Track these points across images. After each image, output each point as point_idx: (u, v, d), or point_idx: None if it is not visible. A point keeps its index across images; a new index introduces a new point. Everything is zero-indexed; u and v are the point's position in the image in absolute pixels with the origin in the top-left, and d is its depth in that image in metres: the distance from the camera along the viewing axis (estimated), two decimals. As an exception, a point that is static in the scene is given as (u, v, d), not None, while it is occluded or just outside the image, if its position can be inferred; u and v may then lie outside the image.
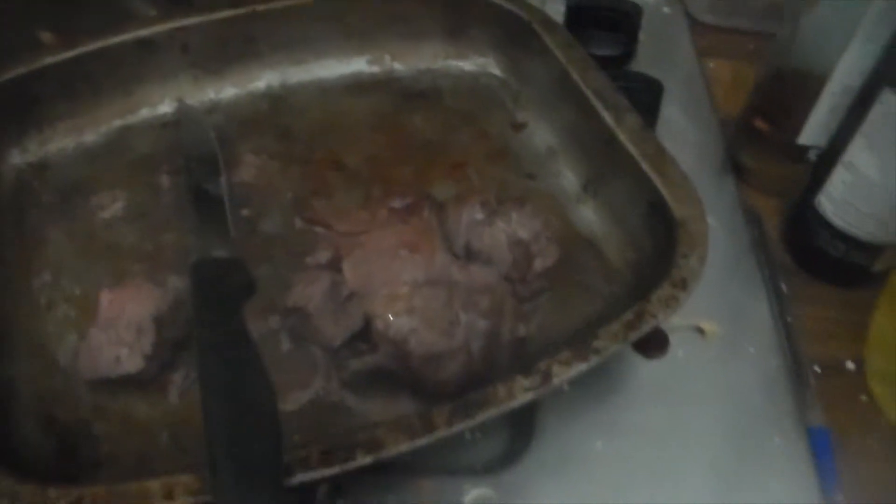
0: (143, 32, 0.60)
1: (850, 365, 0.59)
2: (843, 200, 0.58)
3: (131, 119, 0.61)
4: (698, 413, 0.54)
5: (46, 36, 0.68)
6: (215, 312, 0.48)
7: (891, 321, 0.56)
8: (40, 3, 0.71)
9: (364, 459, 0.41)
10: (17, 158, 0.58)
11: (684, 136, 0.68)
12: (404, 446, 0.41)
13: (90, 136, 0.60)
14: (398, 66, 0.67)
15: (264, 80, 0.65)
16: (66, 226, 0.56)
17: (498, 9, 0.65)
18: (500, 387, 0.43)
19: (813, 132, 0.63)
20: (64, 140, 0.60)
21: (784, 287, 0.62)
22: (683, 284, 0.48)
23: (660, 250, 0.53)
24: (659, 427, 0.53)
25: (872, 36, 0.56)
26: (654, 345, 0.55)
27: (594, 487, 0.50)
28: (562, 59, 0.61)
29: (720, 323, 0.58)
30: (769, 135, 0.66)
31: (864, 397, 0.57)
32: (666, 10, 0.81)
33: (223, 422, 0.41)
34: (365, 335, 0.50)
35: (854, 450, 0.54)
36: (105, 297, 0.50)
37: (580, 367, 0.45)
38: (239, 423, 0.41)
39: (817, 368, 0.58)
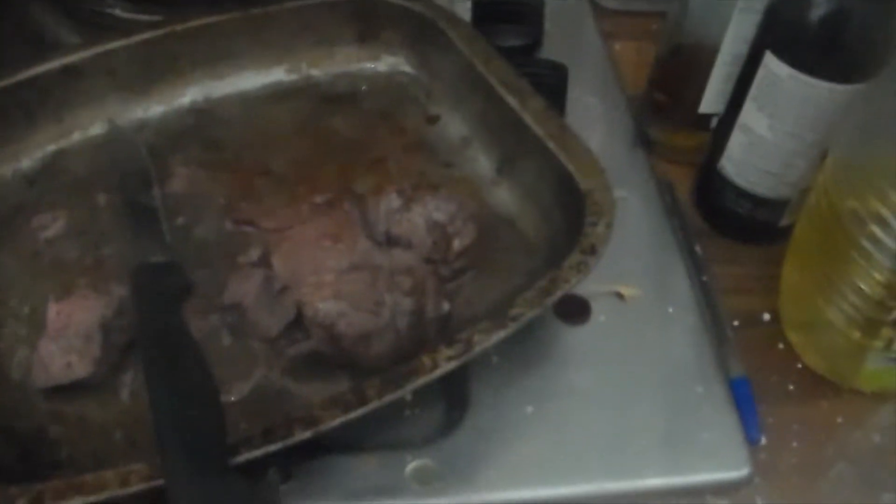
0: (70, 59, 0.62)
1: (767, 317, 0.62)
2: (742, 161, 0.62)
3: (65, 143, 0.64)
4: (624, 373, 0.57)
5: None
6: (155, 312, 0.51)
7: (799, 271, 0.60)
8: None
9: (303, 434, 0.44)
10: (-45, 188, 0.60)
11: (595, 116, 0.72)
12: (339, 420, 0.44)
13: (27, 162, 0.63)
14: (315, 73, 0.70)
15: (189, 95, 0.67)
16: (9, 248, 0.59)
17: (404, 10, 0.68)
18: (426, 358, 0.46)
19: (711, 101, 0.67)
20: (2, 167, 0.62)
21: (699, 249, 0.65)
22: (592, 250, 0.52)
23: (571, 222, 0.56)
24: (587, 389, 0.56)
25: (751, 6, 0.60)
26: (575, 312, 0.59)
27: (528, 449, 0.52)
28: (466, 53, 0.64)
29: (640, 287, 0.61)
30: (672, 107, 0.70)
31: (781, 346, 0.61)
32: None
33: (168, 410, 0.44)
34: (299, 324, 0.53)
35: (775, 396, 0.58)
36: (52, 309, 0.53)
37: (500, 335, 0.48)
38: (183, 410, 0.44)
39: (736, 322, 0.61)
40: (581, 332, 0.58)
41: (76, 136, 0.64)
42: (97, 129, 0.65)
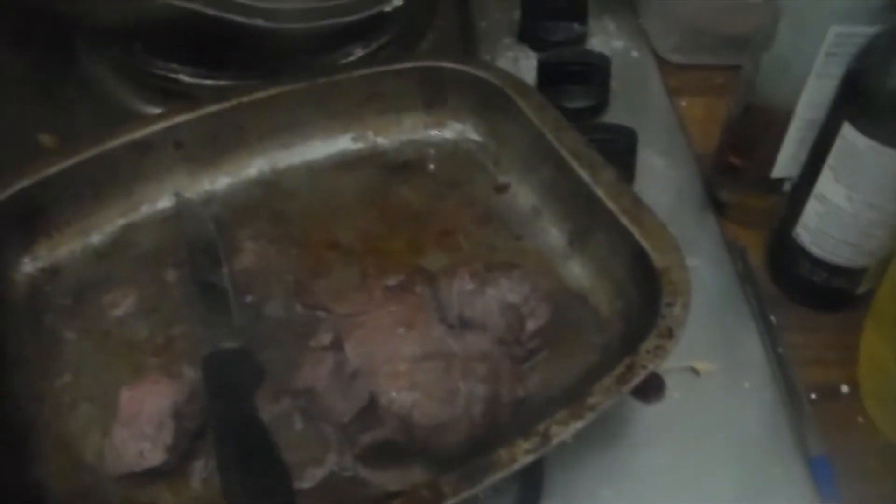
0: (138, 134, 0.63)
1: (845, 388, 0.61)
2: (818, 230, 0.61)
3: (133, 217, 0.64)
4: (700, 451, 0.56)
5: (46, 139, 0.71)
6: (227, 402, 0.51)
7: (879, 340, 0.58)
8: (38, 107, 0.75)
9: (381, 532, 0.44)
10: (28, 266, 0.61)
11: (664, 178, 0.71)
12: (417, 516, 0.44)
13: (96, 237, 0.63)
14: (381, 141, 0.70)
15: (255, 166, 0.67)
16: (80, 326, 0.59)
17: (471, 77, 0.68)
18: (503, 451, 0.46)
19: (785, 165, 0.65)
20: (71, 243, 0.62)
21: (773, 318, 0.64)
22: (670, 333, 0.51)
23: (646, 298, 0.55)
24: (664, 469, 0.55)
25: (827, 72, 0.59)
26: (651, 390, 0.57)
27: (607, 535, 0.52)
28: (536, 121, 0.63)
29: (713, 360, 0.60)
30: (744, 169, 0.68)
31: (860, 419, 0.59)
32: (635, 54, 0.83)
33: (243, 501, 0.45)
34: (372, 410, 0.52)
35: (854, 472, 0.56)
36: (125, 394, 0.53)
37: (577, 425, 0.47)
38: (256, 500, 0.45)
39: (813, 395, 0.60)
40: (656, 411, 0.57)
41: (144, 210, 0.64)
42: (165, 202, 0.65)
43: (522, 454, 0.46)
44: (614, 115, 0.75)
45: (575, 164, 0.60)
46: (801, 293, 0.65)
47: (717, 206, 0.70)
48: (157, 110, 0.69)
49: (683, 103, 0.79)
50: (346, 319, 0.54)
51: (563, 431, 0.47)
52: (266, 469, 0.47)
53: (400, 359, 0.51)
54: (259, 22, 0.60)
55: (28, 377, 0.56)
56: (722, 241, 0.68)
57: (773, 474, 0.55)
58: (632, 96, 0.78)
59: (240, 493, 0.46)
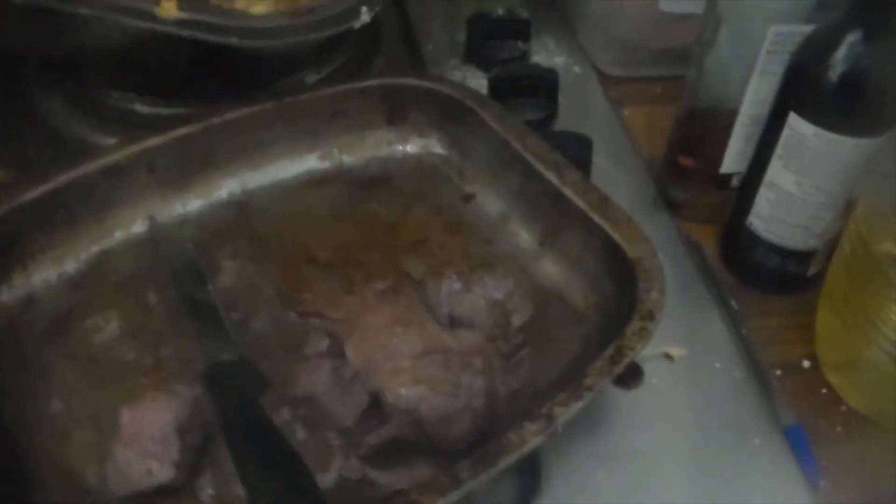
0: (111, 158, 0.63)
1: (807, 363, 0.64)
2: (771, 217, 0.64)
3: (108, 243, 0.64)
4: (683, 430, 0.59)
5: (1, 174, 0.70)
6: (237, 410, 0.51)
7: (835, 316, 0.62)
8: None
9: (406, 523, 0.44)
10: (4, 296, 0.60)
11: (615, 181, 0.73)
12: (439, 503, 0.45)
13: (71, 265, 0.62)
14: (347, 158, 0.71)
15: (226, 188, 0.68)
16: (65, 353, 0.58)
17: (432, 91, 0.70)
18: (513, 434, 0.47)
19: (733, 161, 0.69)
20: (47, 272, 0.61)
21: (734, 303, 0.67)
22: (651, 316, 0.54)
23: (622, 288, 0.58)
24: (652, 449, 0.57)
25: (769, 69, 0.63)
26: (630, 377, 0.59)
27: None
28: (499, 130, 0.66)
29: (684, 346, 0.63)
30: (694, 169, 0.72)
31: (824, 390, 0.63)
32: (577, 69, 0.87)
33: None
34: (372, 411, 0.53)
35: (824, 439, 0.60)
36: (125, 414, 0.52)
37: (577, 405, 0.49)
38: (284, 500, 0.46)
39: (778, 372, 0.63)
40: (637, 396, 0.58)
41: (118, 235, 0.64)
42: (138, 226, 0.65)
43: (531, 435, 0.47)
44: (563, 126, 0.79)
45: (541, 168, 0.63)
46: (758, 279, 0.69)
47: (670, 205, 0.74)
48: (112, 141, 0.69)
49: (626, 112, 0.83)
50: (341, 324, 0.55)
51: (566, 412, 0.48)
52: (290, 470, 0.48)
53: (401, 356, 0.52)
54: (233, 41, 0.61)
55: (17, 407, 0.55)
56: (678, 238, 0.71)
57: (752, 445, 0.58)
58: (578, 108, 0.81)
59: (264, 495, 0.46)
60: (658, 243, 0.63)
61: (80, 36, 0.66)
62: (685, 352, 0.63)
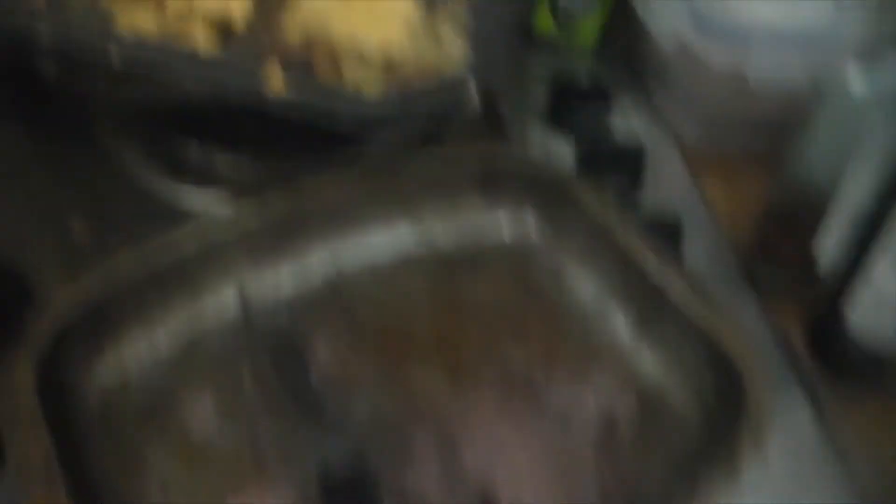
0: (204, 230, 0.62)
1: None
2: (869, 316, 0.63)
3: (200, 322, 0.62)
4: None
5: (78, 226, 0.69)
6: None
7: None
8: (68, 192, 0.72)
9: None
10: (98, 379, 0.58)
11: (699, 262, 0.73)
12: None
13: (164, 346, 0.60)
14: (438, 229, 0.69)
15: (316, 255, 0.65)
16: (159, 439, 0.57)
17: (530, 171, 0.68)
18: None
19: (828, 248, 0.67)
20: (140, 352, 0.60)
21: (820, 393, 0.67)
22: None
23: (721, 388, 0.58)
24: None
25: (872, 155, 0.60)
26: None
27: None
28: (596, 213, 0.65)
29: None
30: (786, 253, 0.71)
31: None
32: (661, 144, 0.84)
33: None
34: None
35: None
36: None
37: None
38: None
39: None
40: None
41: (210, 313, 0.62)
42: (231, 304, 0.63)
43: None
44: (646, 201, 0.77)
45: (639, 254, 0.62)
46: (849, 373, 0.67)
47: (757, 289, 0.72)
48: (190, 195, 0.69)
49: (708, 187, 0.81)
50: (449, 419, 0.54)
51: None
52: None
53: (517, 457, 0.52)
54: (343, 129, 0.59)
55: (114, 494, 0.54)
56: (765, 323, 0.70)
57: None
58: (659, 180, 0.79)
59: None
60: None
61: (176, 102, 0.64)
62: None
